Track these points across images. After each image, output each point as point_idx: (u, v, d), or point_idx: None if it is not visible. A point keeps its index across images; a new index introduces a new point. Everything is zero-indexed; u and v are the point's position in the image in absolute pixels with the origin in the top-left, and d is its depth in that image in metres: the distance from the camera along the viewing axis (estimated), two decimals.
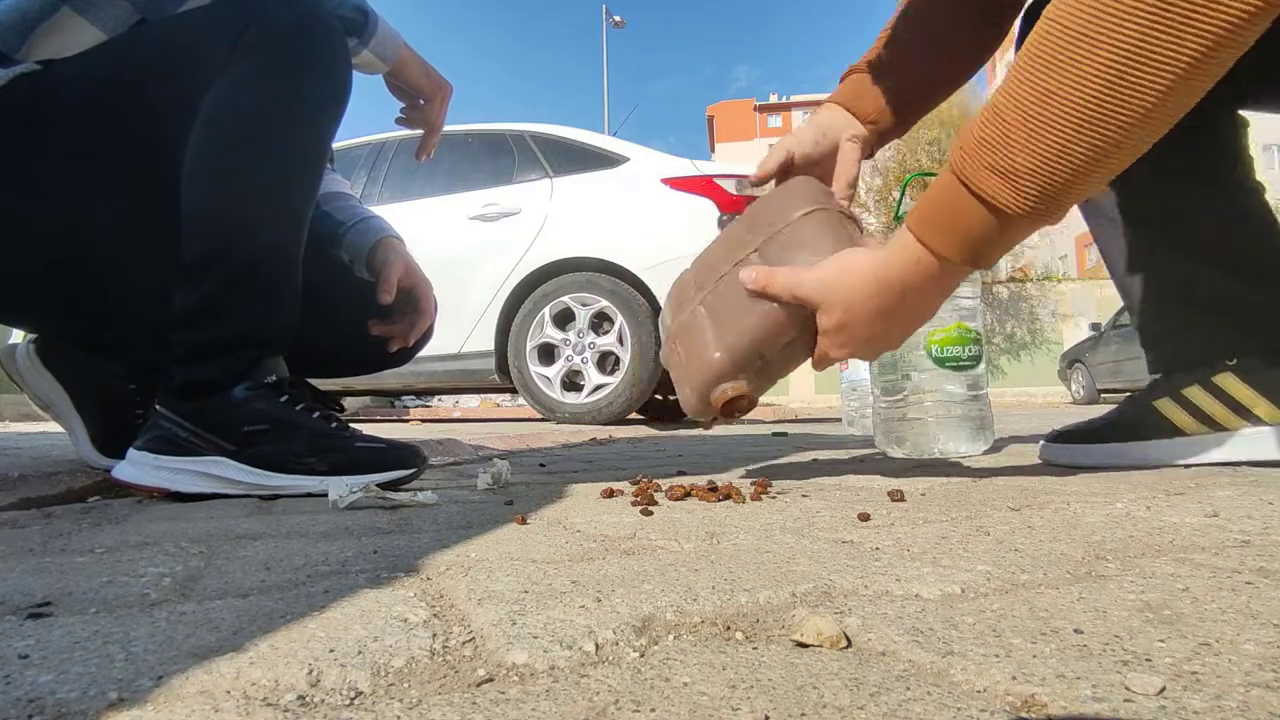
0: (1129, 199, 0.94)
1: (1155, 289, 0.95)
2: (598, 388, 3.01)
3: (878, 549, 0.51)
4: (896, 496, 0.73)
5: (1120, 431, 0.96)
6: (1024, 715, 0.26)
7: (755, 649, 0.32)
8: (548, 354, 3.13)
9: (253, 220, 0.82)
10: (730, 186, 3.03)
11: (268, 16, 0.81)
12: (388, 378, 3.45)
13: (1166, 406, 0.92)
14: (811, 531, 0.58)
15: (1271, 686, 0.27)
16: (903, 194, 1.29)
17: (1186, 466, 0.90)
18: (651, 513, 0.69)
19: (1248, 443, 0.87)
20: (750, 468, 1.14)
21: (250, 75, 0.81)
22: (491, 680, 0.29)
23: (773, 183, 0.89)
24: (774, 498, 0.78)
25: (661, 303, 2.90)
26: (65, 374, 1.01)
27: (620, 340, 2.97)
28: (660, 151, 3.32)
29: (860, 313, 0.71)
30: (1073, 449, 1.00)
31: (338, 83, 0.86)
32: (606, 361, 3.04)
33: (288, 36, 0.81)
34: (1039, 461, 1.06)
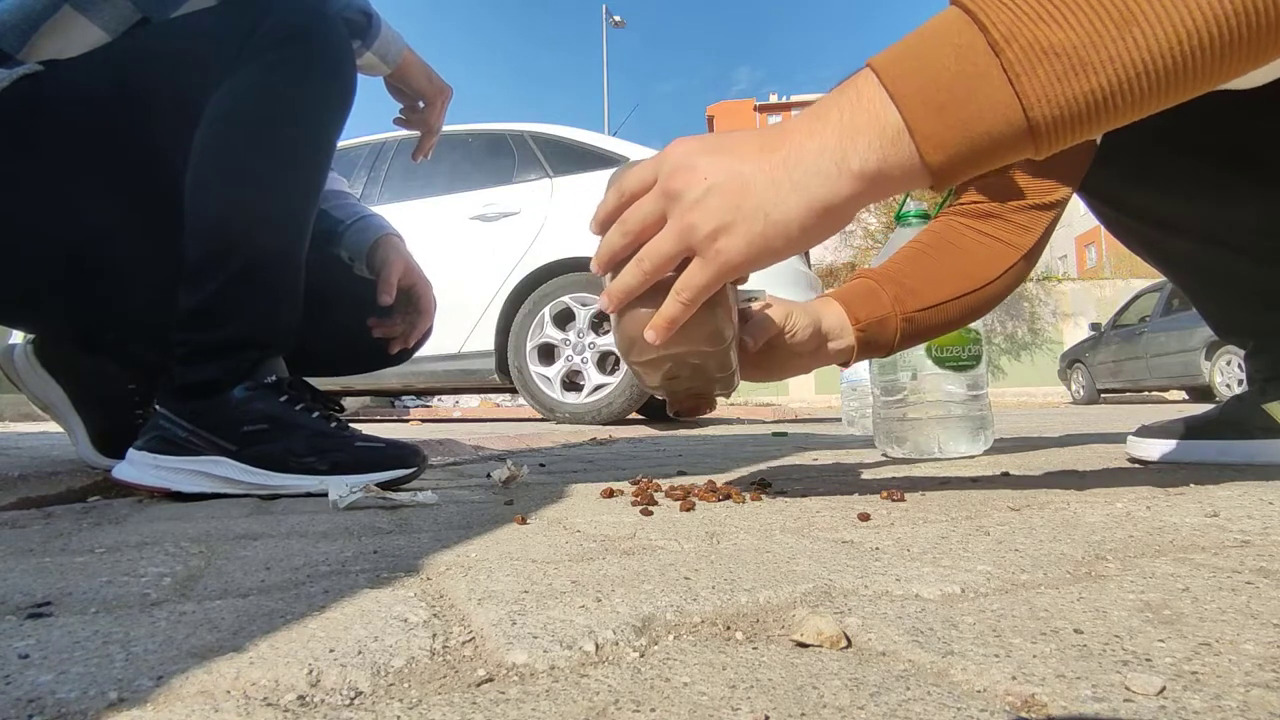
0: (1170, 204, 0.94)
1: (1227, 291, 0.97)
2: (598, 388, 3.01)
3: (878, 549, 0.51)
4: (896, 496, 0.73)
5: (1227, 429, 0.97)
6: (1024, 715, 0.26)
7: (755, 649, 0.32)
8: (548, 354, 3.13)
9: (257, 221, 0.82)
10: None
11: (273, 19, 0.81)
12: (388, 378, 3.45)
13: (1277, 410, 0.93)
14: (811, 531, 0.58)
15: (1271, 686, 0.27)
16: (905, 194, 1.29)
17: None
18: (651, 513, 0.69)
19: None
20: (750, 468, 1.14)
21: (256, 77, 0.81)
22: (491, 680, 0.29)
23: None
24: (774, 498, 0.78)
25: None
26: (64, 374, 1.01)
27: None
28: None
29: (699, 143, 0.52)
30: (1169, 445, 1.00)
31: (343, 85, 0.87)
32: (606, 361, 3.04)
33: (293, 39, 0.81)
34: (1039, 460, 1.06)
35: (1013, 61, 0.42)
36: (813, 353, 0.77)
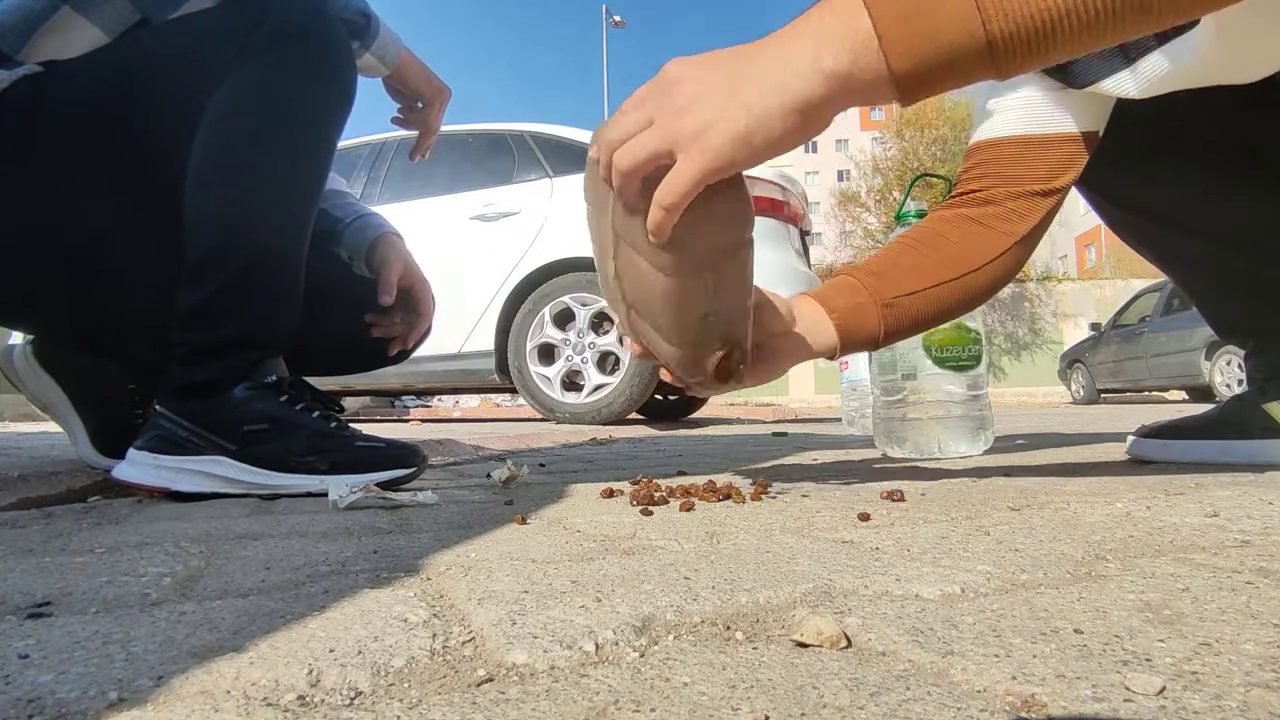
0: (1167, 198, 0.94)
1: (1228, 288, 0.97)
2: (598, 388, 3.01)
3: (878, 549, 0.51)
4: (896, 496, 0.73)
5: (1227, 429, 0.97)
6: (1024, 715, 0.26)
7: (755, 649, 0.32)
8: (548, 354, 3.13)
9: (257, 221, 0.82)
10: None
11: (274, 20, 0.81)
12: (388, 378, 3.45)
13: (1277, 410, 0.93)
14: (811, 531, 0.58)
15: (1271, 686, 0.27)
16: (906, 194, 1.29)
17: None
18: (651, 513, 0.69)
19: None
20: (750, 468, 1.14)
21: (256, 78, 0.81)
22: (491, 680, 0.29)
23: None
24: (774, 498, 0.78)
25: None
26: (64, 375, 1.01)
27: (620, 340, 2.97)
28: None
29: (686, 63, 0.54)
30: (1170, 445, 1.01)
31: (343, 86, 0.87)
32: (606, 361, 3.04)
33: (293, 40, 0.81)
34: (1039, 460, 1.06)
35: None
36: (792, 349, 0.78)
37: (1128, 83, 0.76)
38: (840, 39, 0.48)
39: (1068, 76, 0.79)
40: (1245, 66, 0.70)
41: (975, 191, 0.85)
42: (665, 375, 0.76)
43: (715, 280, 0.61)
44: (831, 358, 0.82)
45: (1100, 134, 0.84)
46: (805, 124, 0.51)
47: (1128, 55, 0.75)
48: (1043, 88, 0.82)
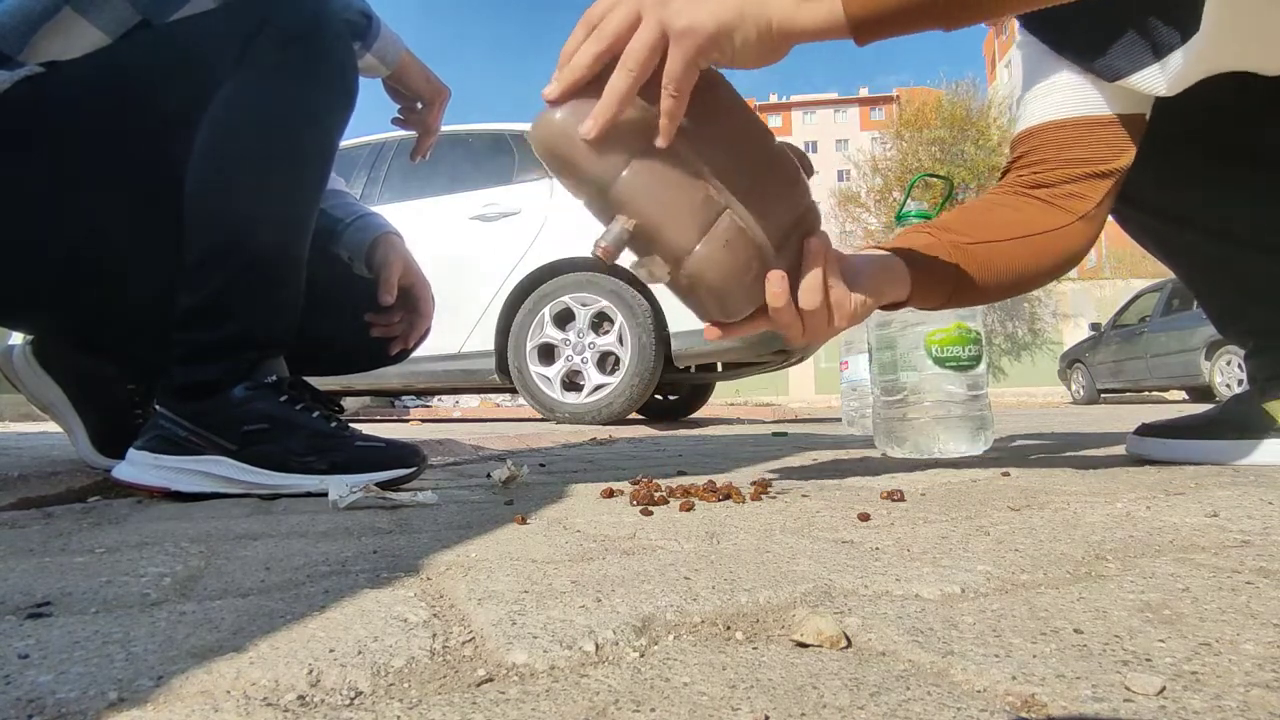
0: (1174, 201, 0.95)
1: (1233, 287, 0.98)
2: (598, 388, 3.01)
3: (878, 549, 0.51)
4: (896, 496, 0.73)
5: (1227, 429, 0.97)
6: (1024, 715, 0.26)
7: (755, 649, 0.32)
8: (548, 354, 3.13)
9: (258, 221, 0.82)
10: None
11: (275, 22, 0.81)
12: (388, 378, 3.45)
13: (1277, 410, 0.93)
14: (811, 531, 0.58)
15: (1271, 686, 0.27)
16: (906, 194, 1.29)
17: None
18: (651, 513, 0.69)
19: None
20: (750, 468, 1.14)
21: (258, 78, 0.81)
22: (491, 680, 0.29)
23: None
24: (774, 498, 0.78)
25: (662, 302, 2.91)
26: (63, 375, 1.01)
27: (620, 340, 2.97)
28: None
29: None
30: (1170, 444, 1.01)
31: (345, 87, 0.87)
32: (606, 361, 3.04)
33: (295, 41, 0.81)
34: (1039, 460, 1.06)
35: None
36: (873, 287, 0.74)
37: (1158, 78, 0.76)
38: None
39: (1097, 69, 0.80)
40: (1261, 53, 0.71)
41: (1029, 176, 0.85)
42: (748, 328, 0.71)
43: (764, 159, 0.66)
44: (902, 304, 0.79)
45: (1147, 119, 0.84)
46: (775, 45, 0.57)
47: (1157, 52, 0.75)
48: (1081, 77, 0.82)
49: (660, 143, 0.59)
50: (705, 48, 0.56)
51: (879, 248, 0.80)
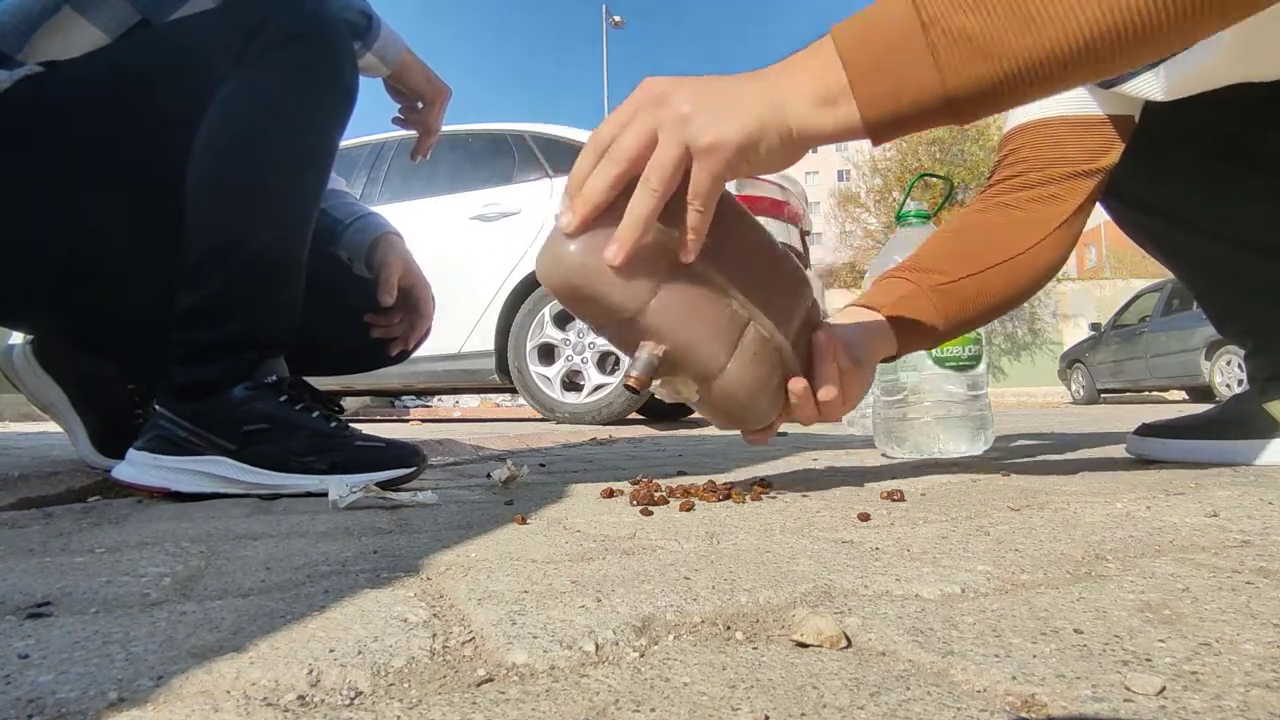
0: (1168, 198, 0.95)
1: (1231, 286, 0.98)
2: (598, 387, 3.01)
3: (878, 549, 0.51)
4: (896, 496, 0.73)
5: (1227, 429, 0.97)
6: (1024, 715, 0.26)
7: (755, 649, 0.32)
8: (548, 354, 3.13)
9: (258, 222, 0.82)
10: (731, 186, 3.03)
11: (276, 20, 0.81)
12: (388, 377, 3.45)
13: (1277, 410, 0.93)
14: (811, 531, 0.58)
15: (1271, 686, 0.27)
16: (906, 195, 1.29)
17: None
18: (651, 513, 0.69)
19: None
20: (750, 468, 1.14)
21: (258, 78, 0.81)
22: (491, 680, 0.29)
23: None
24: (774, 498, 0.78)
25: None
26: (63, 375, 1.01)
27: None
28: None
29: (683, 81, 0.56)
30: (1170, 444, 1.01)
31: (345, 87, 0.87)
32: (606, 361, 3.04)
33: (295, 41, 0.81)
34: (1039, 460, 1.06)
35: (935, 41, 0.50)
36: (869, 354, 0.76)
37: (1153, 84, 0.76)
38: (819, 81, 0.53)
39: None
40: (1266, 63, 0.71)
41: (1013, 177, 0.85)
42: (759, 437, 0.71)
43: (769, 265, 0.66)
44: (894, 356, 0.80)
45: (1137, 120, 0.84)
46: (796, 150, 0.55)
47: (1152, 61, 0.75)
48: None
49: (685, 258, 0.58)
50: (733, 162, 0.54)
51: (863, 305, 0.80)
